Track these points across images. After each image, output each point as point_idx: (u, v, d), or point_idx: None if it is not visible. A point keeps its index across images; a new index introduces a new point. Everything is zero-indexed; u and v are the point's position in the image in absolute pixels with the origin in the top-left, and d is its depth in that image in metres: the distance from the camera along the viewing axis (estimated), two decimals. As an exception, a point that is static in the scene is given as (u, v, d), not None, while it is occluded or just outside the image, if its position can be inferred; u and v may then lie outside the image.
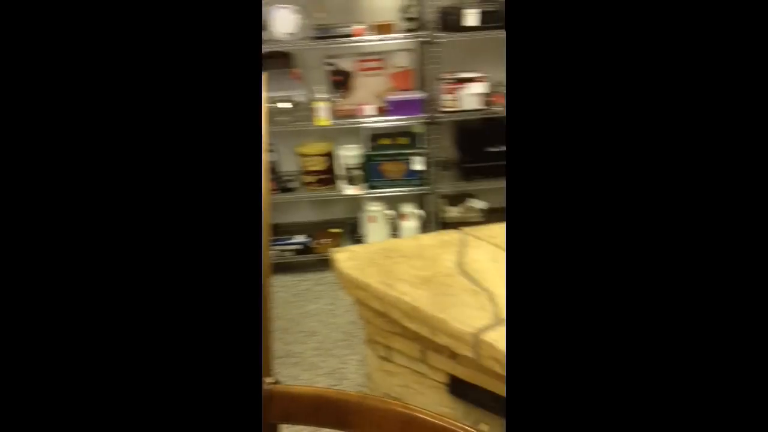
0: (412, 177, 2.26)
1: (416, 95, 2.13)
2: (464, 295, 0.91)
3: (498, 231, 1.14)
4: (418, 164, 2.22)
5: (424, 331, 0.88)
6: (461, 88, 2.12)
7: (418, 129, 2.23)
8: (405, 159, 2.26)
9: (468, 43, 2.11)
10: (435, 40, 1.98)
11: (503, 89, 2.21)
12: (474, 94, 2.14)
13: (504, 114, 2.19)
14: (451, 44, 2.06)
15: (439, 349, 0.92)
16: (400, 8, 2.08)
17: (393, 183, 2.28)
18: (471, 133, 2.32)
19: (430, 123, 2.15)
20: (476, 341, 0.79)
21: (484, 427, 0.65)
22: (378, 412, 0.73)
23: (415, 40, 2.06)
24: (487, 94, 2.15)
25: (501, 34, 2.03)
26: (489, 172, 2.34)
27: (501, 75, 2.28)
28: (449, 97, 2.12)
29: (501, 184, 2.33)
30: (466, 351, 0.82)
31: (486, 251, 1.06)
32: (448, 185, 2.31)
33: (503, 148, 2.30)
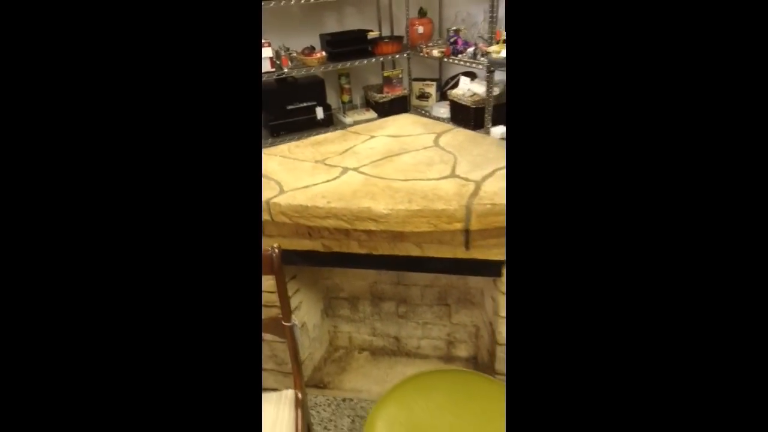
0: (224, 139, 2.50)
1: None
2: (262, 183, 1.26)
3: (283, 149, 1.52)
4: (226, 126, 2.46)
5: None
6: (251, 53, 2.41)
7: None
8: (213, 123, 2.47)
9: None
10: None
11: (285, 53, 2.57)
12: (264, 58, 2.45)
13: (293, 74, 2.57)
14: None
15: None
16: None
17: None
18: (270, 94, 2.64)
19: (229, 87, 2.40)
20: (269, 205, 1.16)
21: (274, 244, 1.03)
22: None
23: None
24: (273, 58, 2.48)
25: (276, 4, 2.37)
26: (293, 127, 2.70)
27: (283, 40, 2.64)
28: (241, 62, 2.39)
29: (305, 135, 2.73)
30: (265, 215, 1.18)
31: (275, 160, 1.43)
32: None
33: (301, 105, 2.69)
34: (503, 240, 1.10)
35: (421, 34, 2.83)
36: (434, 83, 2.99)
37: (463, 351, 1.65)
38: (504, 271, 1.16)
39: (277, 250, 1.03)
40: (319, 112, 2.73)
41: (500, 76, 2.43)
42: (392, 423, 0.97)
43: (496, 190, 1.07)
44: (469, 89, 2.56)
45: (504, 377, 1.33)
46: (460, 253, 1.15)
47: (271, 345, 1.51)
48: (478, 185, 1.11)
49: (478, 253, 1.14)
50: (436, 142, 1.44)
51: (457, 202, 1.04)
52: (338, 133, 1.60)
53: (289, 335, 1.11)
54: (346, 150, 1.45)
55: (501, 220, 1.03)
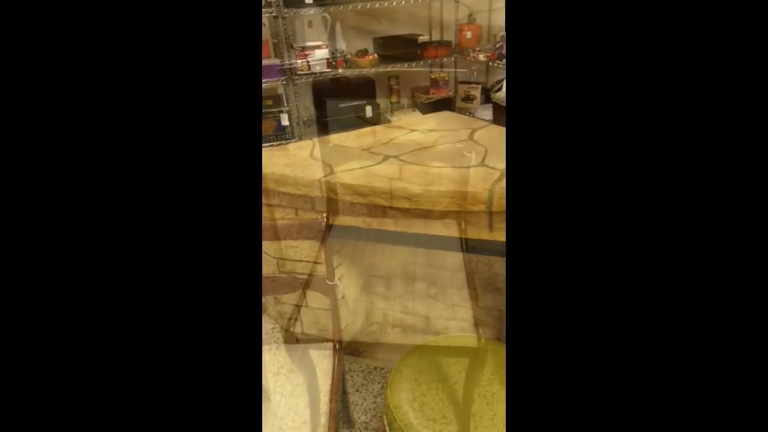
0: (281, 132, 2.75)
1: (273, 62, 2.61)
2: (304, 163, 1.46)
3: (334, 138, 1.72)
4: (285, 120, 2.71)
5: (291, 190, 1.42)
6: (310, 54, 2.64)
7: (280, 90, 2.71)
8: (274, 117, 2.73)
9: (308, 17, 2.64)
10: (282, 15, 2.47)
11: (340, 55, 2.79)
12: (321, 59, 2.68)
13: (347, 75, 2.78)
14: (294, 18, 2.57)
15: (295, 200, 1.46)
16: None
17: (265, 138, 2.75)
18: (323, 92, 2.87)
19: (287, 84, 2.65)
20: (320, 183, 1.35)
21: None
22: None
23: (267, 15, 2.53)
24: (330, 59, 2.70)
25: (335, 9, 2.59)
26: (343, 124, 2.91)
27: (338, 44, 2.86)
28: (301, 62, 2.63)
29: (353, 131, 2.93)
30: (316, 192, 1.37)
31: (327, 147, 1.62)
32: (312, 138, 2.84)
33: (352, 103, 2.89)
34: (523, 224, 1.23)
35: (469, 39, 2.97)
36: (479, 86, 3.10)
37: (488, 333, 1.77)
38: (524, 253, 1.29)
39: (324, 219, 1.22)
40: (369, 111, 2.93)
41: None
42: (414, 371, 1.13)
43: (518, 177, 1.20)
44: (511, 92, 2.66)
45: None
46: (485, 235, 1.28)
47: (315, 312, 1.70)
48: (503, 173, 1.24)
49: (499, 236, 1.27)
50: (470, 136, 1.58)
51: (482, 186, 1.18)
52: (382, 126, 1.78)
53: (332, 293, 1.29)
54: (389, 141, 1.62)
55: (520, 204, 1.16)
